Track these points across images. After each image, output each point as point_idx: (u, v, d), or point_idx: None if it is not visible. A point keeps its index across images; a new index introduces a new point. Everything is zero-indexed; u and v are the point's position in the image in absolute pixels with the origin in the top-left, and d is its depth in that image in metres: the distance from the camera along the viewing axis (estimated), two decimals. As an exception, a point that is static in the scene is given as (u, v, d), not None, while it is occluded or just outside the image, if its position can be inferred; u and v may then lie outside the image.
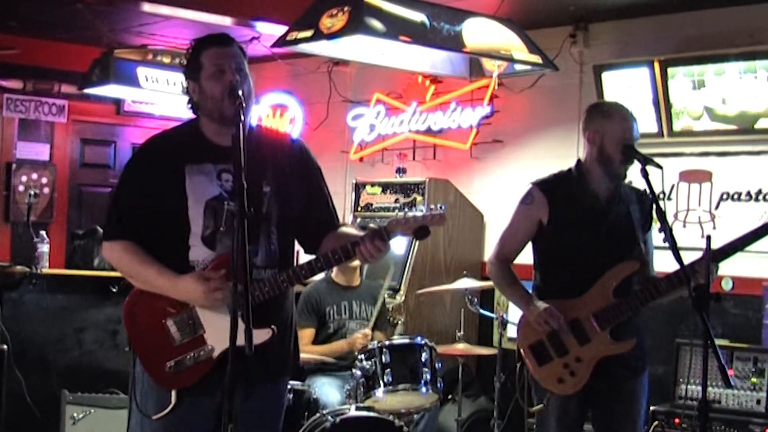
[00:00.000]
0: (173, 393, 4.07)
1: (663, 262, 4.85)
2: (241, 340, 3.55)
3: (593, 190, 5.07)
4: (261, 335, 3.77)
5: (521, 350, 5.09)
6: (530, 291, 5.16)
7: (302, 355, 6.67)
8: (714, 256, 4.69)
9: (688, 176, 7.47)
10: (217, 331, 4.02)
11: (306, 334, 7.14)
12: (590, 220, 5.04)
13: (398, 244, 8.25)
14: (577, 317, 4.95)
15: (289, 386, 6.22)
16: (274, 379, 4.27)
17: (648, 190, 4.66)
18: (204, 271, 4.04)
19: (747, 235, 4.82)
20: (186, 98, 4.25)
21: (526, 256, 5.27)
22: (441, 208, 4.08)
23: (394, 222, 4.05)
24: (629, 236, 5.03)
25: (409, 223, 4.04)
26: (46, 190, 10.28)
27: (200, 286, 3.99)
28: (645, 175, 4.64)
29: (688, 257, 4.48)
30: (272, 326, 3.98)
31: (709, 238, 4.58)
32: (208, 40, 4.19)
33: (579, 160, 5.15)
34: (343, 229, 4.39)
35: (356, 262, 7.27)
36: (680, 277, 4.64)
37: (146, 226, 4.12)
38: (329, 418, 6.00)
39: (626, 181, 5.16)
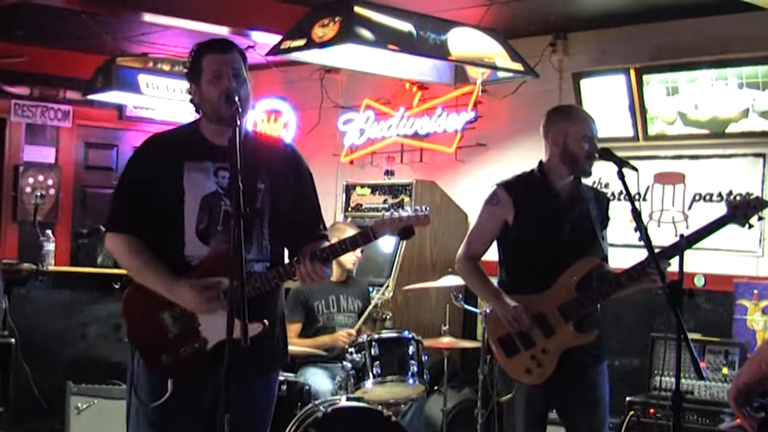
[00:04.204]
0: (169, 382, 4.06)
1: (640, 260, 4.84)
2: (236, 334, 3.54)
3: (555, 189, 5.10)
4: (252, 329, 3.75)
5: (490, 343, 5.09)
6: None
7: (292, 348, 6.71)
8: (668, 253, 4.72)
9: (662, 178, 7.47)
10: (212, 324, 4.01)
11: (293, 329, 7.12)
12: (553, 218, 5.05)
13: (387, 243, 8.24)
14: (542, 311, 4.96)
15: (282, 378, 6.24)
16: (265, 372, 4.26)
17: (624, 192, 4.65)
18: (201, 279, 4.02)
19: (700, 230, 4.82)
20: (189, 99, 4.25)
21: (491, 254, 5.26)
22: (425, 209, 4.08)
23: (380, 222, 4.05)
24: (590, 233, 5.06)
25: (394, 223, 4.04)
26: (52, 191, 10.24)
27: (195, 297, 3.99)
28: (621, 177, 4.63)
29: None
30: (263, 320, 3.97)
31: (682, 236, 4.59)
32: (209, 45, 4.19)
33: (541, 162, 5.17)
34: (325, 243, 4.28)
35: (348, 259, 7.25)
36: (638, 271, 4.74)
37: (145, 220, 4.11)
38: (321, 408, 6.00)
39: (588, 180, 5.21)
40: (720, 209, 4.88)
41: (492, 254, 5.26)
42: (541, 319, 4.96)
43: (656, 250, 4.50)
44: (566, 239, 5.02)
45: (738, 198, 5.39)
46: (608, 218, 5.21)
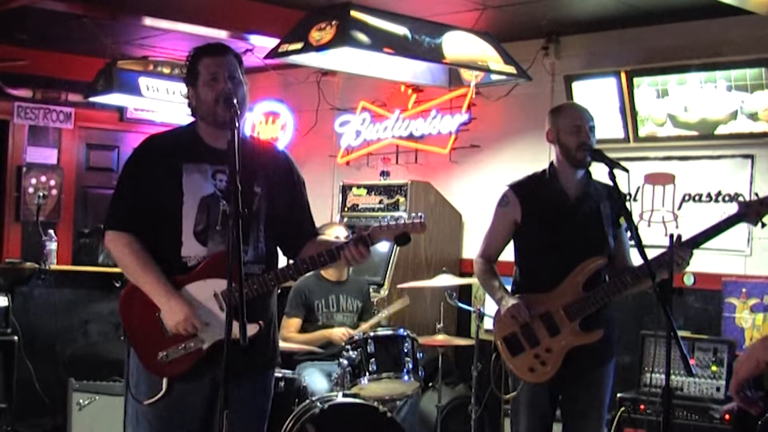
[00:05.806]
0: (164, 381, 4.05)
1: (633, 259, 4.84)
2: (233, 334, 3.54)
3: (563, 189, 5.07)
4: (250, 329, 3.75)
5: (497, 342, 5.08)
6: (510, 286, 5.17)
7: (291, 345, 6.73)
8: (687, 245, 4.69)
9: (652, 179, 7.46)
10: (208, 325, 4.00)
11: (294, 323, 7.13)
12: (560, 218, 5.04)
13: (383, 243, 8.21)
14: (548, 310, 4.95)
15: (280, 375, 6.23)
16: (260, 371, 4.24)
17: (615, 192, 4.64)
18: (195, 309, 4.01)
19: (709, 229, 4.80)
20: (186, 103, 4.24)
21: (507, 254, 5.27)
22: (421, 216, 4.07)
23: (377, 229, 4.05)
24: (598, 232, 5.02)
25: (391, 230, 4.04)
26: (54, 191, 10.22)
27: (183, 313, 3.96)
28: (612, 177, 4.63)
29: (653, 254, 4.48)
30: (259, 321, 3.96)
31: (672, 236, 4.57)
32: (204, 49, 4.20)
33: (551, 163, 5.15)
34: (322, 237, 4.43)
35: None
36: (644, 270, 4.65)
37: (144, 219, 4.09)
38: (318, 404, 5.99)
39: (595, 177, 5.17)
40: (709, 209, 4.89)
41: (507, 255, 5.28)
42: (546, 318, 4.95)
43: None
44: (572, 239, 4.99)
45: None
46: (621, 216, 5.13)
